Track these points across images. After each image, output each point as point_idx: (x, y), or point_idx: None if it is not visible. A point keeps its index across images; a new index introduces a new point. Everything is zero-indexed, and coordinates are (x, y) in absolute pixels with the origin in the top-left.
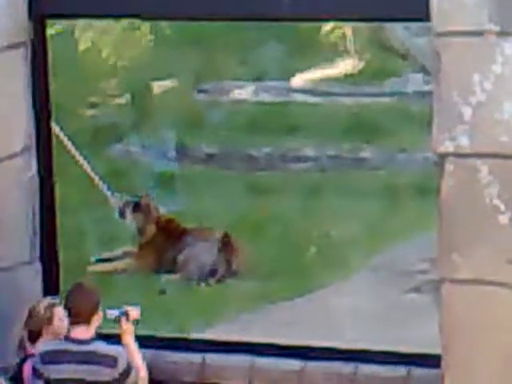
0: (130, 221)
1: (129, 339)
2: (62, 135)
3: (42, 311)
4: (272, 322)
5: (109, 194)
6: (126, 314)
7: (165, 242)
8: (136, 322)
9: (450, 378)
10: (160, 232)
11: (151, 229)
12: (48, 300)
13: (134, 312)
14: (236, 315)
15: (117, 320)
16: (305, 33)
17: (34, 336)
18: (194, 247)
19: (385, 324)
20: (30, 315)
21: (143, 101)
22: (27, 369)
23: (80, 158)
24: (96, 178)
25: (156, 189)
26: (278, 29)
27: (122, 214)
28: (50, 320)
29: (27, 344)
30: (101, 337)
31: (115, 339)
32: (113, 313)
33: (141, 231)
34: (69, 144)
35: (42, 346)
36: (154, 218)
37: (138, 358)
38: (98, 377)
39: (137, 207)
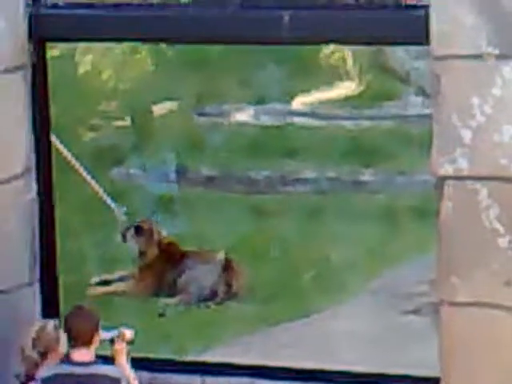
0: (132, 244)
1: (123, 360)
2: (65, 152)
3: (52, 332)
4: (272, 344)
5: (113, 206)
6: (121, 335)
7: (165, 265)
8: (130, 343)
9: None
10: (161, 255)
11: (153, 252)
12: (53, 321)
13: (129, 333)
14: (236, 337)
15: (112, 341)
16: (305, 56)
17: (43, 357)
18: (195, 270)
19: (384, 346)
20: (39, 336)
21: (143, 123)
22: None
23: (84, 173)
24: (102, 193)
25: (156, 211)
26: (278, 52)
27: (124, 238)
28: (57, 341)
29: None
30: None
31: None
32: (108, 334)
33: (142, 254)
34: (72, 160)
35: (44, 370)
36: (156, 241)
37: (133, 378)
38: None
39: (139, 231)
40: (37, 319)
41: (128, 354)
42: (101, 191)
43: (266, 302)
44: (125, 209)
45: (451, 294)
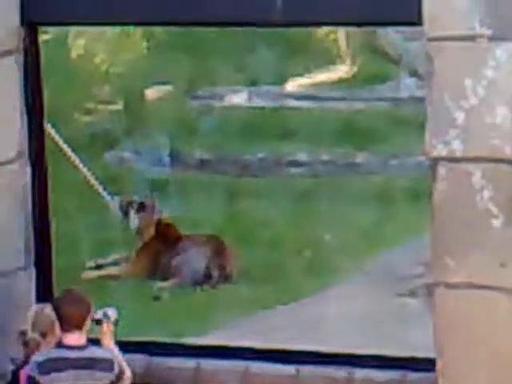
0: (133, 220)
1: (110, 340)
2: (57, 138)
3: (50, 314)
4: (267, 326)
5: (107, 196)
6: (107, 316)
7: (160, 247)
8: (116, 323)
9: (445, 382)
10: (158, 236)
11: (150, 231)
12: (51, 305)
13: (113, 313)
14: (231, 321)
15: (97, 323)
16: (298, 38)
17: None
18: (188, 253)
19: (380, 328)
20: (37, 319)
21: (137, 107)
22: (24, 375)
23: (77, 161)
24: (93, 181)
25: (155, 192)
26: (272, 34)
27: (124, 212)
28: (55, 324)
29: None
30: None
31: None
32: (95, 316)
33: (140, 232)
34: (65, 147)
35: (38, 355)
36: (155, 220)
37: (121, 358)
38: (97, 381)
39: (141, 207)
40: (34, 303)
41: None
42: (95, 182)
43: (260, 284)
44: (119, 198)
45: (445, 275)
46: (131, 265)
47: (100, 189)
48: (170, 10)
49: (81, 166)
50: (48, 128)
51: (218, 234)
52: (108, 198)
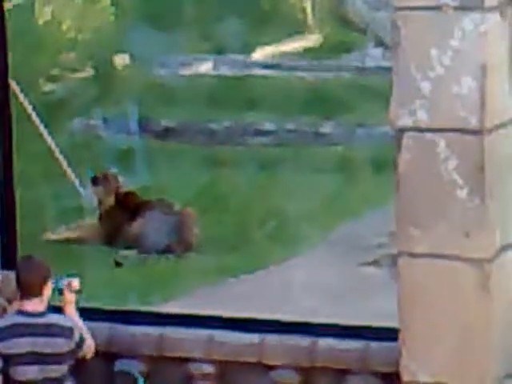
0: (92, 196)
1: (72, 309)
2: (29, 109)
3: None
4: (231, 295)
5: (81, 190)
6: (69, 285)
7: (122, 215)
8: (78, 293)
9: (408, 351)
10: (118, 205)
11: (109, 200)
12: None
13: (75, 282)
14: (195, 289)
15: (60, 291)
16: (265, 7)
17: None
18: (152, 221)
19: (343, 298)
20: (3, 284)
21: (104, 75)
22: None
23: (45, 134)
24: (64, 166)
25: (116, 162)
26: (239, 3)
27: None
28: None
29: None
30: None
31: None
32: (58, 285)
33: (100, 203)
34: (37, 121)
35: None
36: (113, 189)
37: (83, 327)
38: (56, 349)
39: (95, 181)
40: None
41: (76, 303)
42: (69, 171)
43: (225, 253)
44: (92, 193)
45: (410, 245)
46: (91, 231)
47: (73, 179)
48: None
49: (49, 140)
50: (22, 100)
51: (184, 202)
52: (83, 193)
